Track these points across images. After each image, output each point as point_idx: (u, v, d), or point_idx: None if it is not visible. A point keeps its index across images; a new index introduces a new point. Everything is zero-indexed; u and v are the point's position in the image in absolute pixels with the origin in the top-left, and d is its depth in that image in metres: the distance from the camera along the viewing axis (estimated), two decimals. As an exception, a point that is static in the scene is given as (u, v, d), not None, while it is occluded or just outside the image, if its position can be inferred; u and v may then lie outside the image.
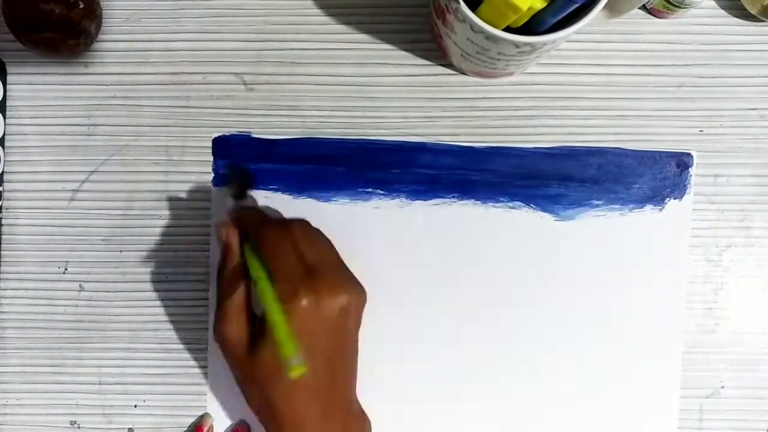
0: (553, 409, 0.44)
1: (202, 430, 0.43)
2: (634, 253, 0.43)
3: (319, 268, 0.35)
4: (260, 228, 0.37)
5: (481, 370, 0.44)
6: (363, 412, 0.38)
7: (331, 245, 0.38)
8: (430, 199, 0.43)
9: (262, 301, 0.34)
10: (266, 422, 0.36)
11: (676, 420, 0.43)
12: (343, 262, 0.38)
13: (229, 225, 0.38)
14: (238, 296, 0.36)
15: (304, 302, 0.34)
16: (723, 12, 0.43)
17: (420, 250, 0.43)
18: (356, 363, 0.38)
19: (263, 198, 0.43)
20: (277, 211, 0.43)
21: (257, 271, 0.35)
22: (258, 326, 0.36)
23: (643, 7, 0.43)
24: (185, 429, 0.44)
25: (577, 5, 0.32)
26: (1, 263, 0.44)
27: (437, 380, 0.43)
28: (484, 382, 0.44)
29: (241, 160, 0.43)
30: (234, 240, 0.37)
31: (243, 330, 0.36)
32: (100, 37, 0.43)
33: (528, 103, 0.43)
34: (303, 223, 0.38)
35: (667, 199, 0.43)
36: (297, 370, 0.32)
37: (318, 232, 0.38)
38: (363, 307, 0.37)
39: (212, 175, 0.44)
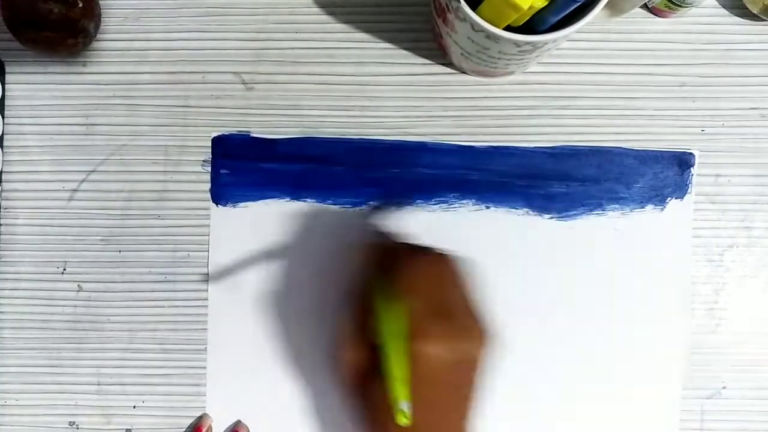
0: (555, 409, 0.43)
1: (201, 430, 0.42)
2: (635, 253, 0.43)
3: (452, 309, 0.33)
4: (397, 259, 0.35)
5: (482, 371, 0.43)
6: None
7: (469, 282, 0.36)
8: (430, 199, 0.43)
9: (382, 336, 0.32)
10: None
11: (677, 421, 0.43)
12: (477, 304, 0.35)
13: (367, 251, 0.37)
14: (361, 323, 0.34)
15: (430, 347, 0.32)
16: (724, 11, 0.43)
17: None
18: (471, 412, 0.35)
19: (263, 205, 0.43)
20: (418, 245, 0.39)
21: (382, 306, 0.33)
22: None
23: (645, 6, 0.43)
24: (184, 429, 0.44)
25: (578, 4, 0.32)
26: (0, 263, 0.44)
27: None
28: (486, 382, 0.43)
29: (241, 159, 0.43)
30: (369, 266, 0.36)
31: (362, 358, 0.34)
32: (99, 36, 0.43)
33: (529, 102, 0.43)
34: (442, 258, 0.35)
35: (669, 198, 0.43)
36: (402, 418, 0.30)
37: (457, 267, 0.36)
38: (489, 353, 0.34)
39: (211, 175, 0.43)
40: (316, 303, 0.43)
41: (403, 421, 0.30)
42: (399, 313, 0.32)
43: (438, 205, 0.43)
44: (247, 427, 0.43)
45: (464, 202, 0.43)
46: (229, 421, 0.44)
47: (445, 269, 0.35)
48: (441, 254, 0.36)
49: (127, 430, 0.44)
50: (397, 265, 0.35)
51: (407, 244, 0.39)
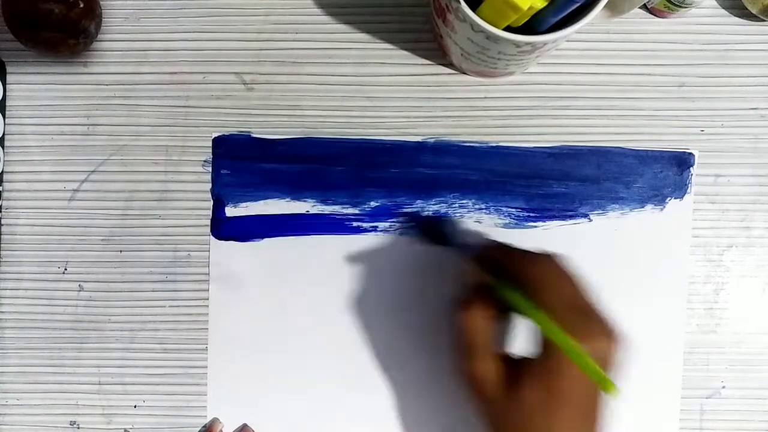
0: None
1: None
2: (634, 252, 0.43)
3: (585, 307, 0.33)
4: (523, 262, 0.35)
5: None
6: None
7: (583, 281, 0.35)
8: (430, 199, 0.43)
9: (545, 331, 0.32)
10: None
11: (677, 420, 0.43)
12: (597, 302, 0.34)
13: (477, 257, 0.36)
14: (487, 334, 0.34)
15: (592, 344, 0.31)
16: (724, 11, 0.43)
17: (420, 249, 0.43)
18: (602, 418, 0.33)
19: (263, 205, 0.43)
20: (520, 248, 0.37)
21: (526, 305, 0.33)
22: (515, 367, 0.33)
23: (644, 7, 0.43)
24: (198, 430, 0.44)
25: (578, 5, 0.32)
26: (1, 263, 0.44)
27: (438, 379, 0.43)
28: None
29: (241, 159, 0.43)
30: (484, 276, 0.35)
31: (495, 369, 0.34)
32: (100, 36, 0.43)
33: (529, 102, 0.43)
34: (556, 258, 0.35)
35: (668, 198, 0.43)
36: (612, 387, 0.31)
37: (570, 266, 0.35)
38: (618, 353, 0.34)
39: (211, 175, 0.43)
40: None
41: (612, 389, 0.31)
42: (542, 315, 0.32)
43: (438, 205, 0.43)
44: (253, 430, 0.43)
45: (464, 202, 0.43)
46: (230, 421, 0.44)
47: (563, 269, 0.34)
48: (552, 254, 0.35)
49: (124, 430, 0.44)
50: (518, 269, 0.34)
51: (511, 247, 0.37)
